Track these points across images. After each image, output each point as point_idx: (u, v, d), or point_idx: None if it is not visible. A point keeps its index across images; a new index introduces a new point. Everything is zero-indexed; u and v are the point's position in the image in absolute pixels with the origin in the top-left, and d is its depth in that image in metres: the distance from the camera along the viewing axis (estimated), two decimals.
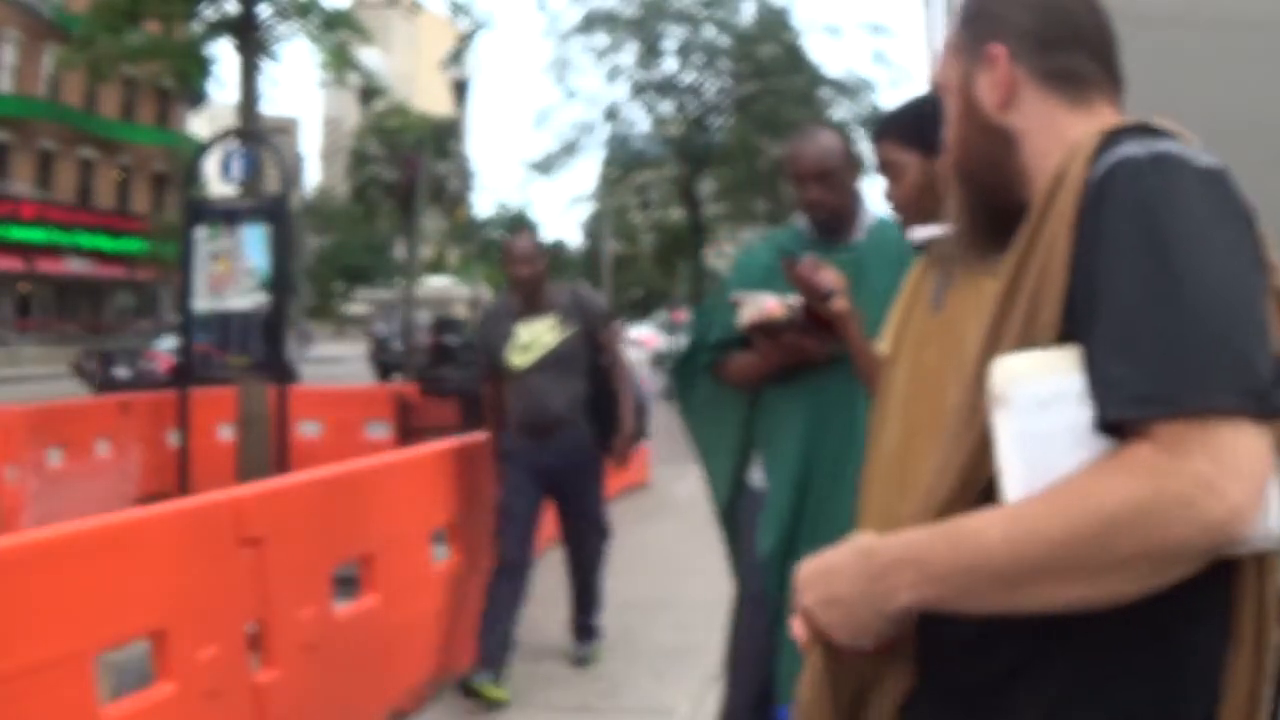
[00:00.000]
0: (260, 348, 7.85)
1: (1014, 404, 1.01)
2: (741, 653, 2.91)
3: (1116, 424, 0.95)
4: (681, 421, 3.08)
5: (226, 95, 13.87)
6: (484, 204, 65.67)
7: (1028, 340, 1.04)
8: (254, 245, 7.86)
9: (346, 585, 3.98)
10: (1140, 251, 0.97)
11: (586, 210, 38.08)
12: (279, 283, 7.88)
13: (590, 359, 4.60)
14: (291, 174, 12.13)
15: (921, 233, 2.07)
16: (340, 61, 10.95)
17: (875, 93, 24.86)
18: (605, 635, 4.90)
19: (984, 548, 0.97)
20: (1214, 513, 0.89)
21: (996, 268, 1.14)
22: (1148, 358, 0.93)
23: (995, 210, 1.20)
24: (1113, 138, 1.06)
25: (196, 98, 18.63)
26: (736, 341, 2.77)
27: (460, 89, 22.31)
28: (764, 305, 2.55)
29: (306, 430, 9.81)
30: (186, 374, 8.39)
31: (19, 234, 34.41)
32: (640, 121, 26.33)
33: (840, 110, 24.71)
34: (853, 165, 2.78)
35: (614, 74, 25.13)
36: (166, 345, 19.59)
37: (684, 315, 30.53)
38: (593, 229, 44.76)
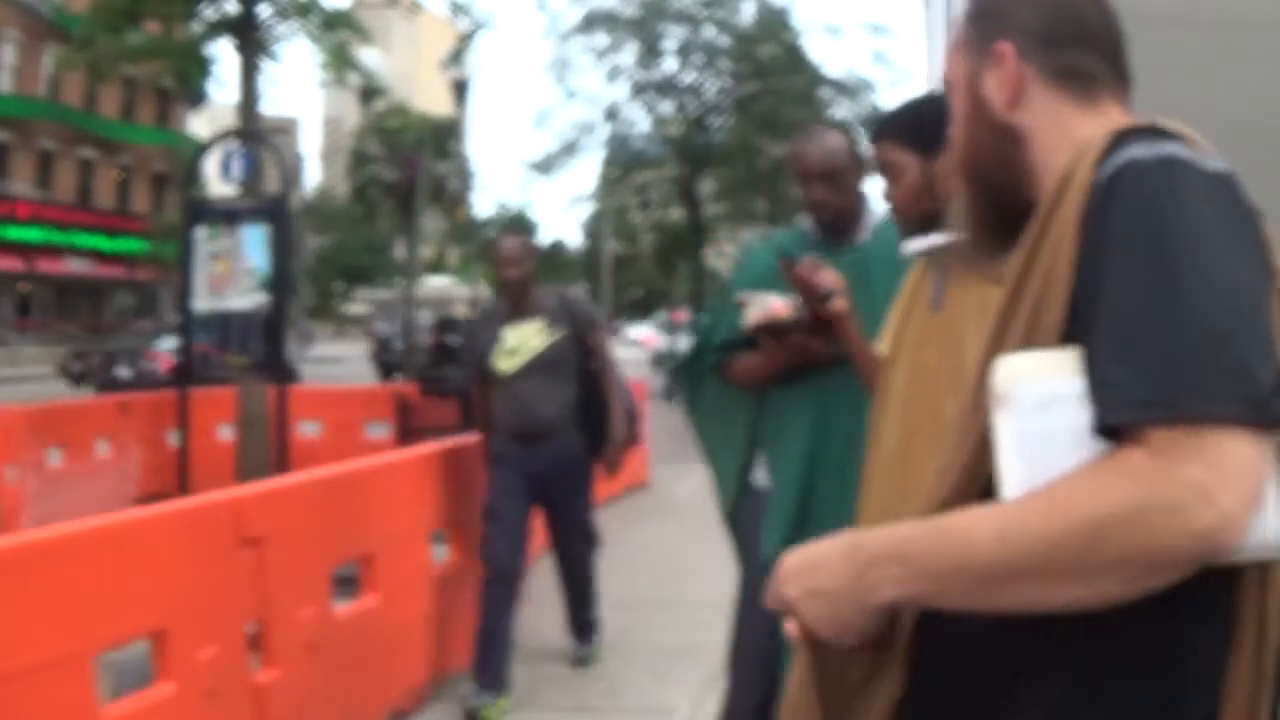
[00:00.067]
0: (260, 348, 7.84)
1: (1015, 404, 1.01)
2: (744, 654, 2.88)
3: (1114, 427, 0.94)
4: (688, 422, 3.08)
5: (226, 95, 13.90)
6: (484, 204, 65.87)
7: (1031, 341, 1.03)
8: (254, 245, 7.85)
9: (346, 585, 3.98)
10: (1144, 254, 0.96)
11: (586, 210, 38.20)
12: (279, 283, 7.87)
13: (579, 363, 4.53)
14: (291, 174, 12.12)
15: (915, 245, 2.06)
16: (340, 61, 10.93)
17: (875, 93, 24.82)
18: (604, 630, 4.88)
19: (972, 545, 0.97)
20: (1204, 521, 0.88)
21: (998, 272, 1.14)
22: (1147, 361, 0.93)
23: (1002, 208, 1.20)
24: (1121, 139, 1.05)
25: (196, 98, 18.62)
26: (742, 342, 2.76)
27: (460, 89, 22.30)
28: (770, 306, 2.54)
29: (306, 430, 9.80)
30: (186, 374, 8.38)
31: (19, 234, 34.45)
32: (640, 121, 26.31)
33: (840, 110, 24.67)
34: (858, 166, 2.76)
35: (614, 74, 25.09)
36: (168, 345, 19.58)
37: (684, 315, 30.48)
38: (593, 229, 44.83)
